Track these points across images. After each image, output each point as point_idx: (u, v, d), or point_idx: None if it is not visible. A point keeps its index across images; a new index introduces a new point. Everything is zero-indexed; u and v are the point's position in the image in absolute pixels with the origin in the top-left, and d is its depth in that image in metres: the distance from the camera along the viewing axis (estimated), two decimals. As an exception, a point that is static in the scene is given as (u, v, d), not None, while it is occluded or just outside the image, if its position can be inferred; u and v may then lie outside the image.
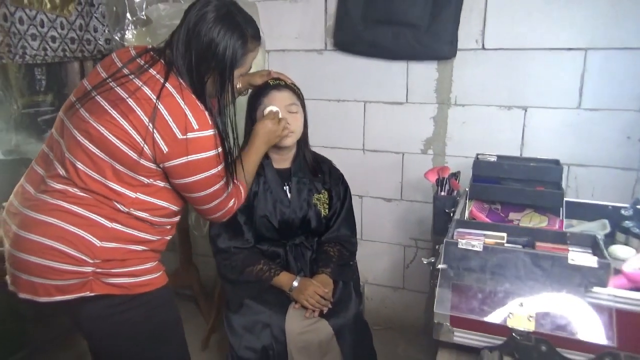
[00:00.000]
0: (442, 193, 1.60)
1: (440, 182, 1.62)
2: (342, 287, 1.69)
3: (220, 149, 1.23)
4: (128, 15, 2.02)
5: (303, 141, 1.74)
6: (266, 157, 1.67)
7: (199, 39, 1.20)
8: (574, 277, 0.83)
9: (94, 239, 1.15)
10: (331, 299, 1.61)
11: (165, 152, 1.17)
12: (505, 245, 0.90)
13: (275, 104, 1.61)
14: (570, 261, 0.83)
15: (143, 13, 1.99)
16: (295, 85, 1.70)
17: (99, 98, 1.19)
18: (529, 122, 1.98)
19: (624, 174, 1.89)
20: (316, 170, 1.78)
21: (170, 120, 1.16)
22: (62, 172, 1.18)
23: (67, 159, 1.18)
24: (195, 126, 1.17)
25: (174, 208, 1.30)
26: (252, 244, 1.69)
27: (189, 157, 1.18)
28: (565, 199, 1.39)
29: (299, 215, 1.70)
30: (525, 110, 1.97)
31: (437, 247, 1.15)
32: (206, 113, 1.21)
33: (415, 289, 2.40)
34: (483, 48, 1.97)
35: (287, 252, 1.72)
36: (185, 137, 1.16)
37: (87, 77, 1.29)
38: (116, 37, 2.04)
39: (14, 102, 2.16)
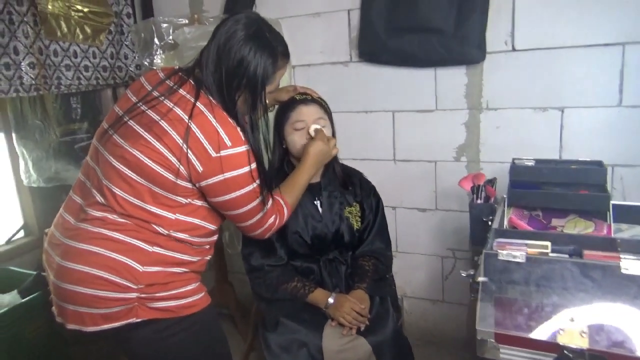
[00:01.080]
0: (479, 201, 1.54)
1: (475, 190, 1.57)
2: (379, 302, 1.64)
3: (254, 165, 1.22)
4: (156, 40, 2.06)
5: (332, 155, 1.71)
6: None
7: (229, 57, 1.20)
8: (629, 287, 0.76)
9: (137, 264, 1.15)
10: (368, 315, 1.56)
11: (200, 171, 1.17)
12: (550, 254, 0.85)
13: (303, 118, 1.60)
14: (623, 270, 0.77)
15: (170, 38, 2.03)
16: (322, 99, 1.68)
17: (131, 123, 1.20)
18: (567, 123, 1.90)
19: (675, 172, 1.78)
20: (346, 183, 1.75)
21: (203, 138, 1.16)
22: (100, 199, 1.19)
23: (105, 185, 1.19)
24: (229, 143, 1.17)
25: (212, 227, 1.31)
26: (285, 261, 1.67)
27: (224, 174, 1.18)
28: (612, 202, 1.31)
29: (331, 230, 1.67)
30: (562, 111, 1.89)
31: (475, 258, 1.10)
32: (238, 129, 1.21)
33: (455, 301, 2.32)
34: (513, 49, 1.91)
35: (321, 268, 1.69)
36: (219, 154, 1.16)
37: (118, 102, 1.30)
38: (145, 63, 2.09)
39: (52, 131, 2.24)
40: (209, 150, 1.16)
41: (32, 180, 2.24)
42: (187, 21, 2.11)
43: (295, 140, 1.61)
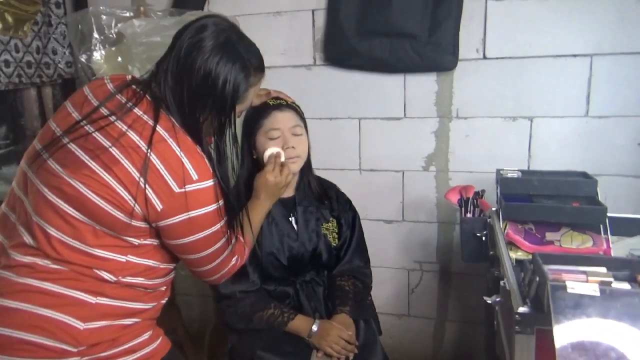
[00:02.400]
0: (468, 215, 1.46)
1: (463, 203, 1.49)
2: (364, 327, 1.52)
3: (221, 202, 1.04)
4: (95, 34, 1.78)
5: (307, 166, 1.56)
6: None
7: (192, 71, 1.01)
8: None
9: (76, 321, 0.93)
10: (356, 343, 1.43)
11: (159, 209, 0.97)
12: (613, 284, 0.76)
13: (278, 126, 1.43)
14: None
15: (113, 31, 1.77)
16: (296, 105, 1.53)
17: (72, 146, 0.97)
18: (536, 133, 1.89)
19: (636, 182, 1.83)
20: (322, 196, 1.61)
21: (165, 172, 0.96)
22: (28, 240, 0.96)
23: (35, 222, 0.96)
24: (195, 177, 0.98)
25: (170, 266, 1.11)
26: (258, 286, 1.49)
27: (189, 213, 0.99)
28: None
29: (308, 249, 1.52)
30: (531, 121, 1.89)
31: (502, 283, 1.01)
32: (205, 159, 1.02)
33: (421, 315, 2.25)
34: (484, 57, 1.88)
35: (298, 291, 1.53)
36: (183, 190, 0.97)
37: (54, 117, 1.05)
38: (82, 59, 1.80)
39: (-39, 137, 1.88)
40: (171, 185, 0.96)
41: None
42: (131, 14, 1.85)
43: (270, 150, 1.43)
